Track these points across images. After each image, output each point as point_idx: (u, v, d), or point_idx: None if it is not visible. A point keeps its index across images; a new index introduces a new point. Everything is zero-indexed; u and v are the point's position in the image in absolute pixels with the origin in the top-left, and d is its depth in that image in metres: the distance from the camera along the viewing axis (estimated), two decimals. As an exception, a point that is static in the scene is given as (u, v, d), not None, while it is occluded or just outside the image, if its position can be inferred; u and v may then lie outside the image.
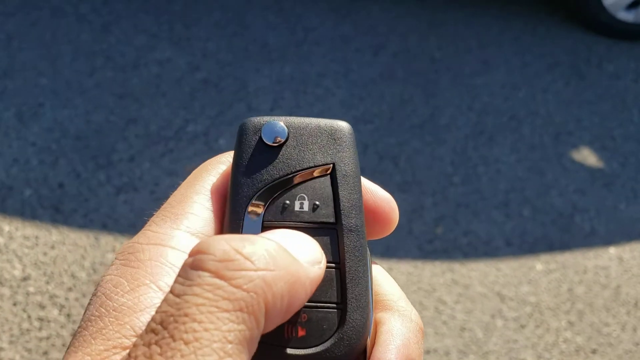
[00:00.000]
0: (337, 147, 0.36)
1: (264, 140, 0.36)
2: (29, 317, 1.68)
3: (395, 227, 0.37)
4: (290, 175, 0.35)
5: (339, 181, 0.35)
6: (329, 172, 0.36)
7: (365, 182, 0.37)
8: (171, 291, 0.27)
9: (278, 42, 2.69)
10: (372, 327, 0.33)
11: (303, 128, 0.37)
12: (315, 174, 0.36)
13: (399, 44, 2.78)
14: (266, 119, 0.37)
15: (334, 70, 2.59)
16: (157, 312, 0.27)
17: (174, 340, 0.25)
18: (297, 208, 0.35)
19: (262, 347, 0.31)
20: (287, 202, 0.35)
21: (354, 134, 0.37)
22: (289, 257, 0.30)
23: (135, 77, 2.43)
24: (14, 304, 1.69)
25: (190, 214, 0.35)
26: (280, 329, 0.32)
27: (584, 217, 2.21)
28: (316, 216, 0.34)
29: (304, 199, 0.35)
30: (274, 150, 0.36)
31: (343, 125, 0.37)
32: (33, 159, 2.08)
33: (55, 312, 1.70)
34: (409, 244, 2.03)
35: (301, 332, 0.32)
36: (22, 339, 1.64)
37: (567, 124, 2.55)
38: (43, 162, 2.07)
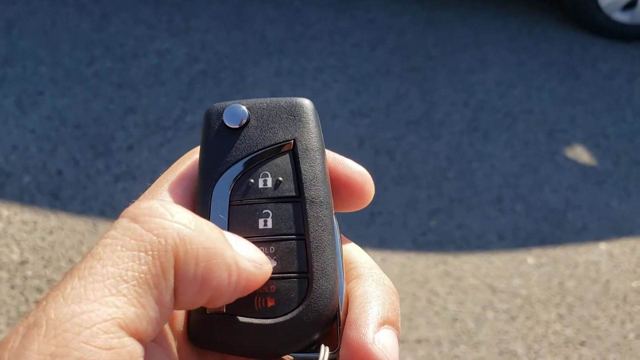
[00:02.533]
0: (298, 123, 0.37)
1: (227, 123, 0.37)
2: (27, 300, 1.70)
3: (370, 199, 0.38)
4: (253, 155, 0.37)
5: (300, 156, 0.37)
6: (290, 148, 0.37)
7: (338, 157, 0.38)
8: None
9: (276, 35, 2.71)
10: (344, 296, 0.34)
11: (264, 108, 0.38)
12: (277, 151, 0.37)
13: (397, 40, 2.80)
14: (228, 103, 0.38)
15: (332, 64, 2.61)
16: None
17: (71, 277, 0.26)
18: (260, 185, 0.36)
19: (234, 319, 0.33)
20: (252, 180, 0.36)
21: (314, 109, 0.38)
22: (221, 237, 0.30)
23: (135, 67, 2.44)
24: (12, 287, 1.71)
25: (159, 200, 0.35)
26: (251, 300, 0.33)
27: (576, 213, 2.24)
28: (279, 191, 0.36)
29: (267, 176, 0.36)
30: (236, 133, 0.37)
31: (303, 101, 0.38)
32: (32, 146, 2.09)
33: (53, 296, 1.72)
34: (403, 236, 2.06)
35: (270, 303, 0.33)
36: (19, 321, 1.66)
37: (561, 122, 2.58)
38: (42, 149, 2.09)
